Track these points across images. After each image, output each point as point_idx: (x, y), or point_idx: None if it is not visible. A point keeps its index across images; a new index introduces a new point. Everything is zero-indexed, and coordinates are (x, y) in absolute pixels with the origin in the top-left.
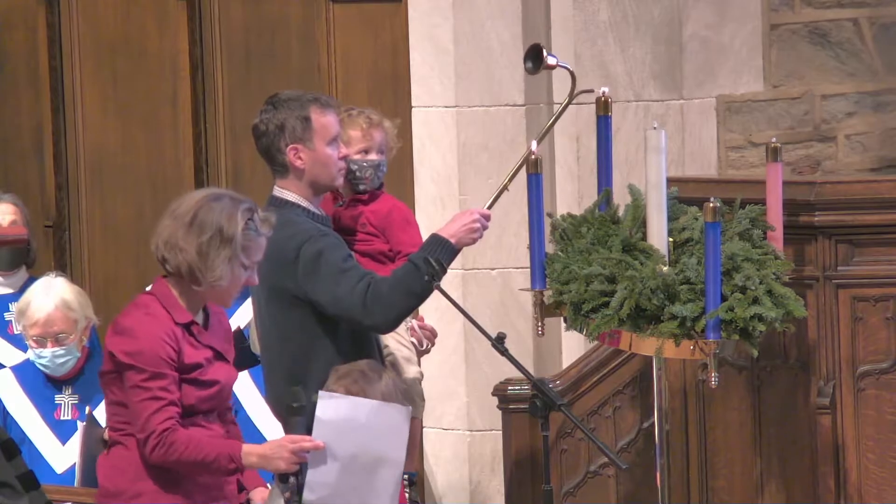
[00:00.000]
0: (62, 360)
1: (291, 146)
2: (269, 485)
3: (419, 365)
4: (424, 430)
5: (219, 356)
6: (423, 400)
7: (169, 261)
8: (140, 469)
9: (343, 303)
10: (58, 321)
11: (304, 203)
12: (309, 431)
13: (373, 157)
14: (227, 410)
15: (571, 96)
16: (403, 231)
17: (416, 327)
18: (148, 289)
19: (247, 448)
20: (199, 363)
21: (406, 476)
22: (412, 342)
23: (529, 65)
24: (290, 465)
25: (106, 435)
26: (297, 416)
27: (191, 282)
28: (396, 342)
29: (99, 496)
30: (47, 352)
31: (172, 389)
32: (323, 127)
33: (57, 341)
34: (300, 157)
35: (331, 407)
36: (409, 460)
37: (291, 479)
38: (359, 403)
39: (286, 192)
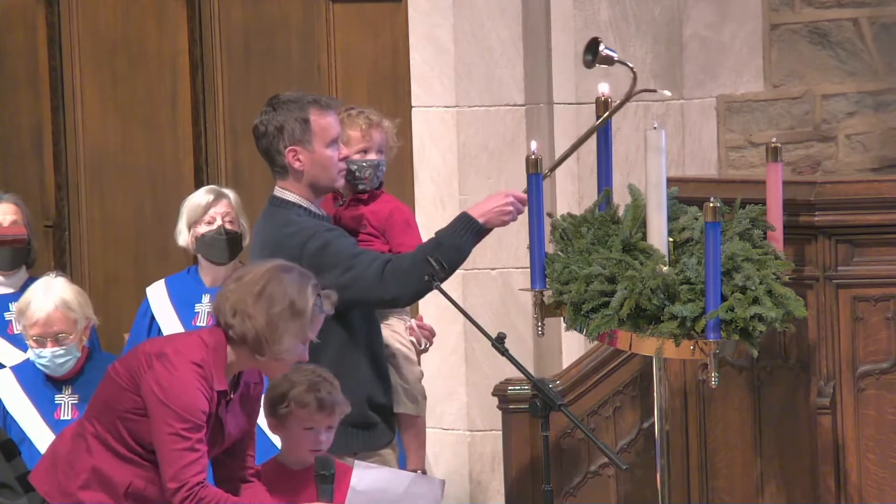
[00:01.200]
0: (62, 360)
1: (290, 148)
2: None
3: (419, 364)
4: None
5: (218, 431)
6: (425, 398)
7: (234, 327)
8: (94, 478)
9: (359, 282)
10: (57, 321)
11: (305, 203)
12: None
13: (372, 156)
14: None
15: (630, 94)
16: (404, 233)
17: (416, 327)
18: (203, 330)
19: None
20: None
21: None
22: (411, 341)
23: (589, 57)
24: None
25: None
26: (326, 484)
27: (253, 351)
28: (397, 342)
29: (43, 472)
30: (47, 352)
31: (205, 442)
32: (322, 129)
33: (57, 341)
34: (299, 159)
35: (367, 477)
36: (417, 458)
37: None
38: (397, 475)
39: (287, 192)
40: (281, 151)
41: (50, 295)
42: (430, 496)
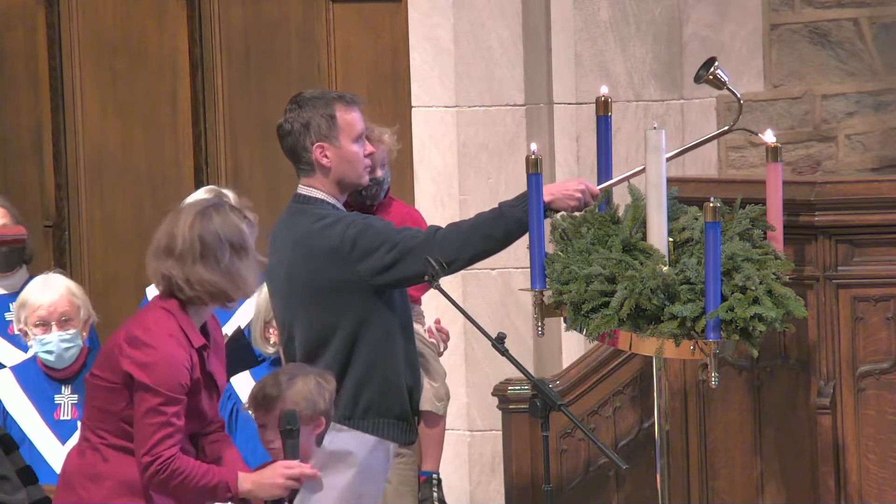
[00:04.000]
0: (67, 345)
1: (318, 144)
2: None
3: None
4: None
5: (212, 384)
6: (449, 398)
7: (196, 298)
8: (120, 485)
9: (409, 255)
10: (63, 304)
11: (332, 200)
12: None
13: (377, 174)
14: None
15: (735, 123)
16: None
17: (434, 329)
18: (151, 298)
19: (242, 475)
20: (199, 390)
21: (435, 476)
22: (432, 342)
23: (702, 72)
24: (284, 491)
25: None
26: (290, 439)
27: (223, 302)
28: (420, 342)
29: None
30: (52, 336)
31: (181, 416)
32: (348, 124)
33: (62, 325)
34: (326, 155)
35: (338, 439)
36: (433, 460)
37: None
38: (363, 439)
39: (313, 189)
40: (308, 148)
41: (52, 284)
42: (385, 462)
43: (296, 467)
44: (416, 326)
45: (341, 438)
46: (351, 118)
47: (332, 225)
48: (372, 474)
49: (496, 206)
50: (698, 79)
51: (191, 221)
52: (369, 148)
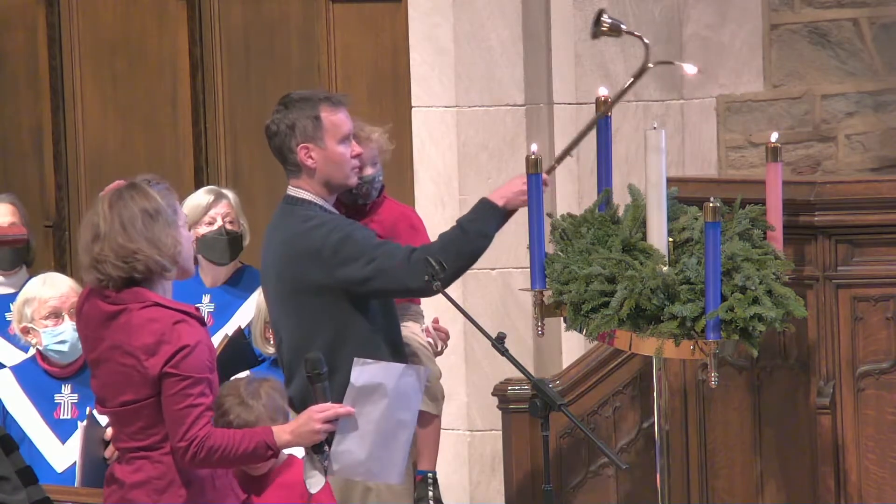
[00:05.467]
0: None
1: (302, 145)
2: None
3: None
4: None
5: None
6: (443, 397)
7: (136, 272)
8: (191, 485)
9: (384, 273)
10: (72, 295)
11: (320, 201)
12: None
13: (367, 172)
14: None
15: (644, 66)
16: (412, 238)
17: (432, 329)
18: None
19: (277, 429)
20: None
21: (430, 475)
22: (428, 342)
23: (595, 28)
24: (322, 435)
25: (107, 435)
26: (319, 382)
27: (162, 273)
28: (416, 342)
29: None
30: (66, 325)
31: (208, 393)
32: (334, 125)
33: (73, 316)
34: (311, 157)
35: (365, 372)
36: (430, 458)
37: (326, 448)
38: (389, 368)
39: (301, 191)
40: (293, 149)
41: (55, 279)
42: (416, 384)
43: (329, 409)
44: (413, 325)
45: (368, 371)
46: (337, 119)
47: (316, 227)
48: (405, 400)
49: (455, 224)
50: (595, 35)
51: (107, 205)
52: (356, 149)
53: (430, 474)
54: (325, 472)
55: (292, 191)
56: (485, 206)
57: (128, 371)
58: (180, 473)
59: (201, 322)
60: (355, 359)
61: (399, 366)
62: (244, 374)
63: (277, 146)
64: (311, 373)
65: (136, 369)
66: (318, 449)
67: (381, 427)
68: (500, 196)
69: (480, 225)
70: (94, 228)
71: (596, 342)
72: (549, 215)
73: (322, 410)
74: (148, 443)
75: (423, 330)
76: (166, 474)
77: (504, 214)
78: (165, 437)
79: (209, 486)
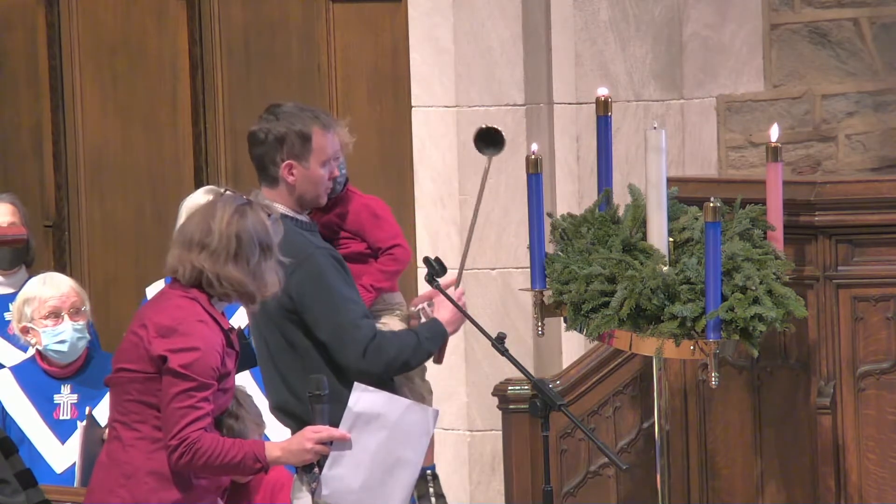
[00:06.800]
0: (80, 334)
1: (287, 162)
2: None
3: None
4: None
5: (234, 360)
6: (431, 393)
7: (223, 295)
8: (161, 479)
9: (343, 338)
10: (73, 295)
11: (292, 213)
12: (328, 422)
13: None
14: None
15: (485, 175)
16: (377, 227)
17: (428, 310)
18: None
19: (269, 444)
20: (229, 371)
21: (429, 471)
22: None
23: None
24: (313, 456)
25: (105, 435)
26: (319, 404)
27: (247, 301)
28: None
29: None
30: (66, 325)
31: (211, 400)
32: (321, 148)
33: (73, 315)
34: (293, 174)
35: (364, 399)
36: (427, 454)
37: (315, 470)
38: (393, 400)
39: (274, 203)
40: (276, 163)
41: (55, 279)
42: (422, 425)
43: (324, 431)
44: (391, 320)
45: (368, 398)
46: (325, 142)
47: (294, 271)
48: (408, 437)
49: (414, 334)
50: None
51: (228, 218)
52: (335, 172)
53: (428, 470)
54: (313, 494)
55: (266, 201)
56: (440, 331)
57: (137, 341)
58: (148, 463)
59: (227, 334)
60: (356, 383)
61: (404, 400)
62: (244, 373)
63: (259, 155)
64: (312, 393)
65: (143, 342)
66: (308, 469)
67: (377, 459)
68: (448, 322)
69: (431, 346)
70: (205, 236)
71: (596, 342)
72: (550, 215)
73: (317, 431)
74: (126, 419)
75: (405, 317)
76: (133, 462)
77: (446, 342)
78: (142, 418)
79: (181, 487)
